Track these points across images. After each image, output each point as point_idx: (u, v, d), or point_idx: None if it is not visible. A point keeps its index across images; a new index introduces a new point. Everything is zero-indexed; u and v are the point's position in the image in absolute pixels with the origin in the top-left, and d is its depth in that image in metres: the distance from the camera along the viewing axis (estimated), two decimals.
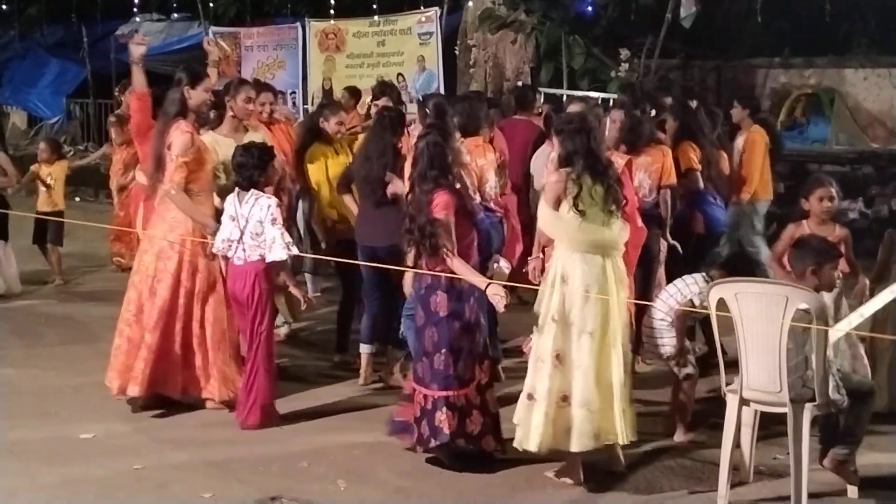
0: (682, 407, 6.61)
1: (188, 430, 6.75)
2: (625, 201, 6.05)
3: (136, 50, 7.49)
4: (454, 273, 5.94)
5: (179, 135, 6.86)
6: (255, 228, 6.57)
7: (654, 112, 8.78)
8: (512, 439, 6.02)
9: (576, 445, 5.81)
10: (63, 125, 21.56)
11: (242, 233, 6.61)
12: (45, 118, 21.98)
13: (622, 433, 5.81)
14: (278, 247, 6.54)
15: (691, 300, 6.47)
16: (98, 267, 11.71)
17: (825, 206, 6.67)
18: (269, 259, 6.58)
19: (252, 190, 6.62)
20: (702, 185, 8.29)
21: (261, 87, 8.61)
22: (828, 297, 5.84)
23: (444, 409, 5.96)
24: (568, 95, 9.58)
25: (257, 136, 7.39)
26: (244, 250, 6.62)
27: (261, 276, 6.63)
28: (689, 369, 6.57)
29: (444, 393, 5.99)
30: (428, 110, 7.19)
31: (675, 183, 7.88)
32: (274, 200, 6.62)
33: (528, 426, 5.87)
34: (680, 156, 8.28)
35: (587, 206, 5.84)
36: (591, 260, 5.85)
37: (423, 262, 6.06)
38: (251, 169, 6.62)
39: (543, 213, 6.03)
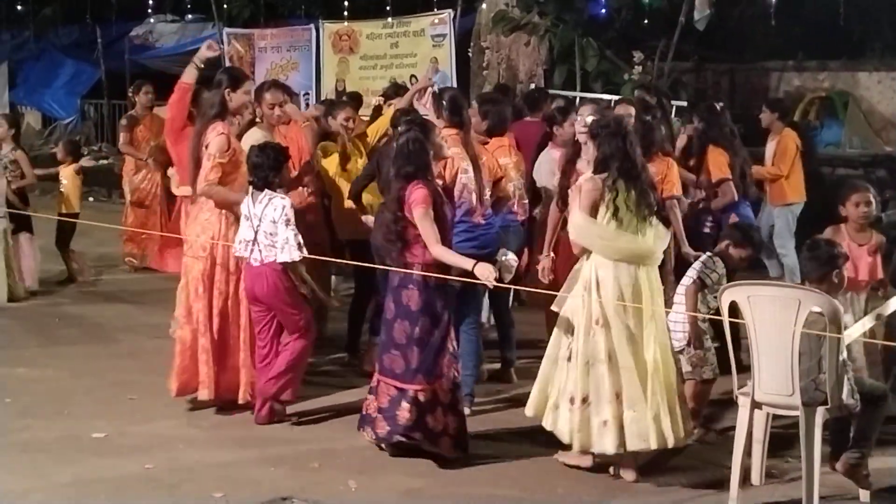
0: (694, 410, 6.61)
1: (200, 431, 6.77)
2: (657, 206, 6.04)
3: (205, 53, 7.47)
4: (439, 265, 6.00)
5: (216, 136, 6.89)
6: (269, 228, 6.57)
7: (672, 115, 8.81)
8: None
9: (631, 445, 5.83)
10: (77, 126, 21.61)
11: (256, 233, 6.62)
12: (59, 118, 22.04)
13: (669, 437, 5.81)
14: (290, 248, 6.54)
15: (700, 279, 6.50)
16: (111, 267, 11.74)
17: (862, 211, 6.64)
18: (279, 260, 6.58)
19: (266, 190, 6.63)
20: (736, 195, 8.20)
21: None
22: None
23: (408, 403, 6.02)
24: (580, 98, 9.56)
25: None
26: (259, 251, 6.62)
27: (280, 276, 6.63)
28: (709, 373, 6.56)
29: (410, 386, 6.04)
30: (444, 103, 7.16)
31: (679, 194, 7.79)
32: (288, 201, 6.61)
33: (590, 429, 5.86)
34: (710, 164, 8.21)
35: (623, 213, 5.84)
36: (626, 268, 5.87)
37: (400, 257, 6.12)
38: (266, 170, 6.62)
39: (578, 221, 5.99)
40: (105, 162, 17.96)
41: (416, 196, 5.98)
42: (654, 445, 5.82)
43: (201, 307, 6.91)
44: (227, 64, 15.90)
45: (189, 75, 7.44)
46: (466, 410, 6.65)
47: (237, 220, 6.87)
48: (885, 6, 15.98)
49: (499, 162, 7.46)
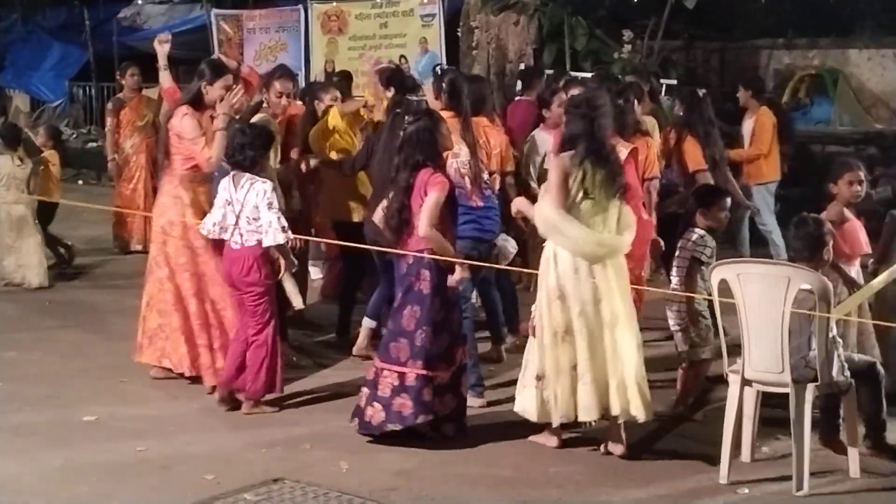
0: (686, 388, 6.64)
1: (191, 413, 6.77)
2: (627, 189, 6.05)
3: (162, 50, 7.57)
4: (434, 250, 6.02)
5: (181, 117, 6.97)
6: (252, 213, 6.53)
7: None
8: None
9: (582, 415, 5.90)
10: (65, 108, 21.53)
11: (238, 217, 6.57)
12: (47, 101, 21.94)
13: (627, 409, 5.86)
14: (274, 231, 6.49)
15: (695, 258, 6.52)
16: (101, 251, 11.70)
17: (855, 189, 6.66)
18: (265, 244, 6.54)
19: (247, 174, 6.57)
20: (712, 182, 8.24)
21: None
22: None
23: (417, 388, 6.02)
24: (566, 78, 9.53)
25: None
26: (241, 235, 6.58)
27: (259, 261, 6.59)
28: (707, 354, 6.58)
29: (423, 372, 6.04)
30: (444, 86, 7.12)
31: (658, 175, 7.85)
32: (269, 184, 6.56)
33: (540, 400, 5.97)
34: (686, 155, 8.28)
35: (593, 192, 5.85)
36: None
37: (404, 242, 6.16)
38: (255, 149, 6.57)
39: (546, 215, 5.95)
40: (94, 145, 17.93)
41: (435, 181, 6.02)
42: (602, 416, 5.92)
43: (169, 286, 7.05)
44: (216, 45, 15.89)
45: (165, 79, 7.68)
46: (481, 401, 6.73)
47: (192, 203, 6.96)
48: None
49: (490, 143, 7.44)
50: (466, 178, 6.89)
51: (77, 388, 7.19)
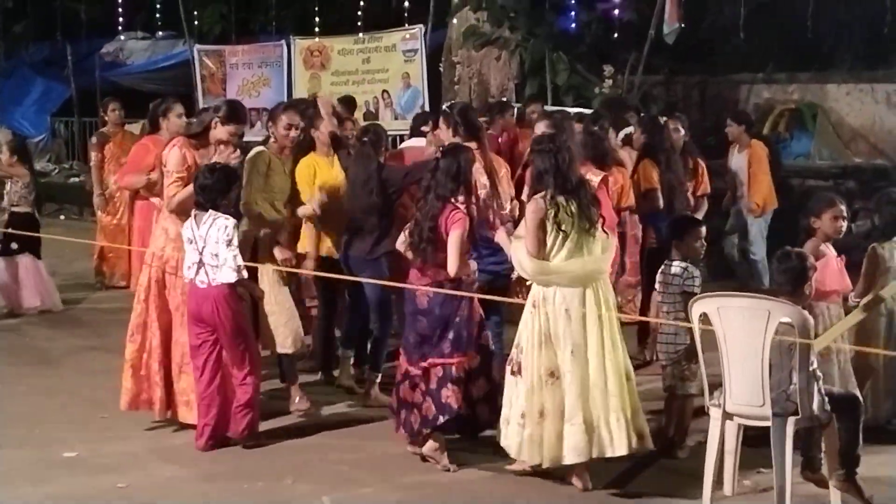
0: (682, 421, 6.65)
1: (173, 448, 6.74)
2: (602, 220, 6.09)
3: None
4: (446, 285, 6.22)
5: (170, 149, 7.04)
6: (214, 249, 6.48)
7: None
8: None
9: (568, 458, 5.92)
10: (48, 143, 21.50)
11: (202, 254, 6.53)
12: (29, 136, 21.88)
13: (612, 445, 5.89)
14: (227, 269, 6.47)
15: (686, 291, 6.52)
16: (82, 286, 11.65)
17: (839, 225, 6.69)
18: (216, 282, 6.50)
19: (210, 211, 6.53)
20: (661, 204, 8.38)
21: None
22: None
23: (450, 382, 6.22)
24: (540, 111, 9.62)
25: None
26: (206, 273, 6.53)
27: (228, 299, 6.55)
28: (695, 389, 6.58)
29: (451, 361, 6.23)
30: (458, 118, 7.16)
31: (634, 204, 8.02)
32: (232, 221, 6.51)
33: (532, 444, 6.00)
34: (641, 173, 8.42)
35: (567, 227, 5.92)
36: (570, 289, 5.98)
37: (418, 265, 6.37)
38: (215, 192, 6.52)
39: (521, 260, 6.08)
40: (76, 180, 17.91)
41: (455, 217, 6.21)
42: (592, 455, 5.92)
43: (147, 323, 7.00)
44: (199, 80, 15.94)
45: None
46: None
47: (177, 237, 6.90)
48: (853, 19, 16.12)
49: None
50: (490, 210, 6.93)
51: (58, 424, 7.15)
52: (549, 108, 11.36)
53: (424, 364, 6.31)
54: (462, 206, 6.31)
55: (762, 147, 10.77)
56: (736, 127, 10.76)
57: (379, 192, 7.38)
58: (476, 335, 6.37)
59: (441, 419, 6.24)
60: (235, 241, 6.51)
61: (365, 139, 7.62)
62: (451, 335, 6.25)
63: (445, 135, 7.21)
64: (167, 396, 6.96)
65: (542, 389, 5.97)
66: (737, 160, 10.72)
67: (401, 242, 6.57)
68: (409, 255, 6.46)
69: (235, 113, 7.22)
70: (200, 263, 6.54)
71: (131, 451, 6.67)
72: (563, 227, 5.92)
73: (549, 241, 5.95)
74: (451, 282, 6.25)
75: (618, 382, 5.94)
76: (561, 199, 5.94)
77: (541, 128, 7.21)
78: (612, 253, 6.19)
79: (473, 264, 6.50)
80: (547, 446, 5.95)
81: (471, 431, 6.57)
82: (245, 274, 6.58)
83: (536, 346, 6.00)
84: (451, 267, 6.19)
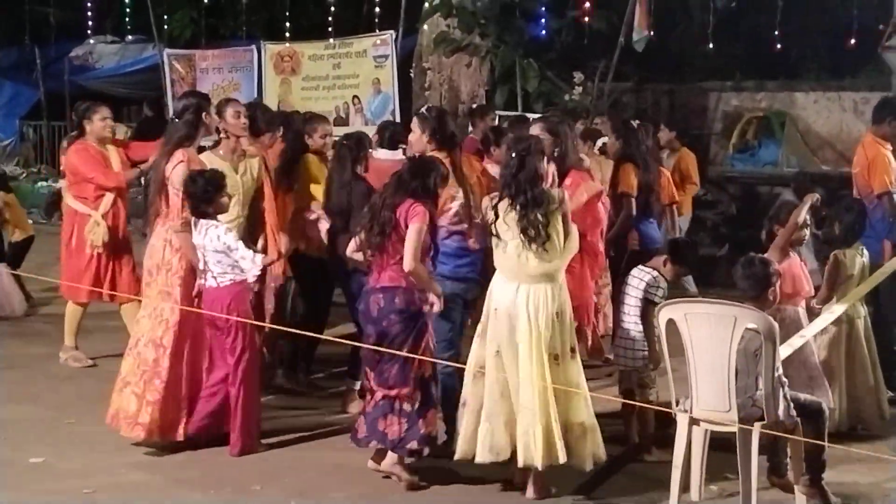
0: (647, 429, 6.68)
1: (140, 454, 6.70)
2: (545, 238, 5.92)
3: None
4: (412, 279, 6.03)
5: (176, 168, 6.82)
6: (213, 257, 6.56)
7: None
8: None
9: (479, 457, 5.96)
10: (16, 147, 21.36)
11: (206, 261, 6.61)
12: None
13: (530, 455, 5.83)
14: (248, 265, 6.56)
15: (647, 299, 6.58)
16: (48, 291, 11.56)
17: (803, 233, 6.76)
18: (249, 279, 6.64)
19: (202, 220, 6.57)
20: (634, 210, 8.35)
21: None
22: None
23: (401, 410, 6.07)
24: (511, 117, 9.64)
25: (254, 162, 7.35)
26: (214, 277, 6.61)
27: (236, 300, 6.60)
28: (654, 395, 6.63)
29: (402, 390, 6.05)
30: (431, 123, 7.07)
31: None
32: (223, 228, 6.55)
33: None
34: (620, 178, 8.42)
35: (501, 233, 5.97)
36: (505, 284, 6.00)
37: (373, 260, 6.17)
38: (198, 199, 6.57)
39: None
40: (44, 184, 17.81)
41: (416, 210, 6.01)
42: (500, 460, 5.95)
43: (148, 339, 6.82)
44: (169, 85, 15.88)
45: None
46: None
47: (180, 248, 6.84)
48: (820, 27, 16.25)
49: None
50: (467, 221, 6.87)
51: (24, 430, 7.11)
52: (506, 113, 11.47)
53: (386, 391, 6.12)
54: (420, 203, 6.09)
55: (691, 155, 11.18)
56: (667, 132, 11.14)
57: (360, 195, 7.26)
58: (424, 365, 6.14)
59: (371, 444, 6.15)
60: (235, 242, 6.54)
61: (344, 143, 7.62)
62: (397, 367, 6.04)
63: (418, 140, 7.05)
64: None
65: (471, 382, 6.06)
66: (670, 164, 10.94)
67: (351, 249, 6.34)
68: (358, 256, 6.28)
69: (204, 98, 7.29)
70: (206, 268, 6.61)
71: (97, 456, 6.64)
72: (493, 233, 6.01)
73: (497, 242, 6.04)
74: (406, 296, 6.05)
75: (539, 397, 5.84)
76: (503, 206, 5.97)
77: (536, 130, 7.14)
78: (564, 260, 6.08)
79: (435, 293, 6.18)
80: (461, 438, 6.02)
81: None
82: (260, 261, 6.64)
83: (476, 338, 6.10)
84: (408, 261, 5.94)
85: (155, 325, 6.78)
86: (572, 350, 6.03)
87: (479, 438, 5.94)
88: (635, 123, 9.28)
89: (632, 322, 6.67)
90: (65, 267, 8.77)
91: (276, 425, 7.17)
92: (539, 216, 5.90)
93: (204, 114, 7.02)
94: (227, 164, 7.11)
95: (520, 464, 5.89)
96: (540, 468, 5.85)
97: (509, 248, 5.97)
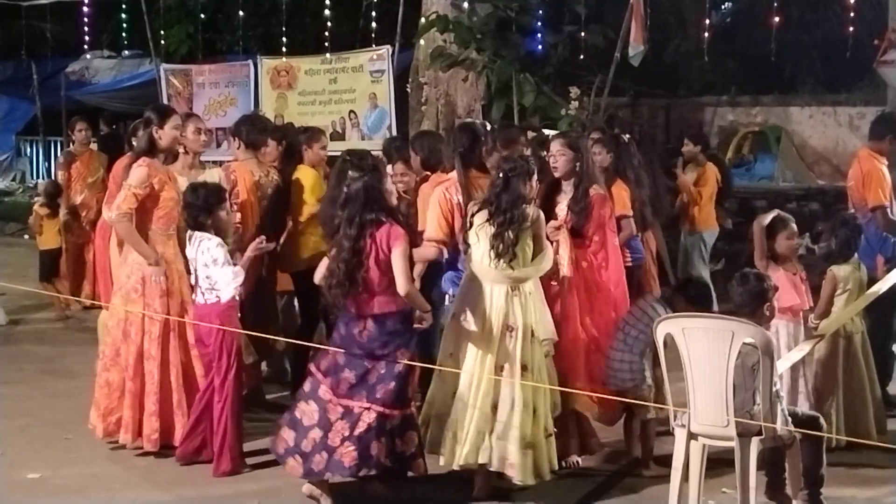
0: (648, 445, 6.66)
1: (137, 470, 6.68)
2: (511, 256, 6.03)
3: None
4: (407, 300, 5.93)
5: (136, 168, 6.85)
6: (203, 271, 6.52)
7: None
8: None
9: (442, 460, 6.09)
10: (12, 162, 21.39)
11: (197, 275, 6.57)
12: None
13: (488, 459, 5.96)
14: (224, 286, 6.47)
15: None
16: (42, 306, 11.56)
17: (795, 244, 6.78)
18: (223, 299, 6.51)
19: (196, 232, 6.54)
20: (635, 230, 8.18)
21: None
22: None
23: (384, 434, 5.90)
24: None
25: (213, 174, 7.38)
26: (202, 293, 6.56)
27: (222, 317, 6.51)
28: (653, 412, 6.59)
29: (390, 412, 5.91)
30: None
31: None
32: (215, 241, 6.49)
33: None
34: (614, 197, 8.32)
35: (471, 242, 6.16)
36: (471, 283, 6.17)
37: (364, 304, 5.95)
38: (197, 210, 6.52)
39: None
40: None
41: (397, 233, 5.88)
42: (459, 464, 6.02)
43: (133, 350, 6.82)
44: (166, 99, 15.90)
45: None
46: None
47: (167, 261, 6.84)
48: (815, 43, 16.32)
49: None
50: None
51: (20, 446, 7.09)
52: None
53: (356, 404, 5.91)
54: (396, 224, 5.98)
55: (714, 171, 10.79)
56: (692, 147, 10.87)
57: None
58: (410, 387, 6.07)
59: (362, 472, 5.88)
60: (223, 258, 6.46)
61: (347, 158, 7.61)
62: (394, 384, 5.87)
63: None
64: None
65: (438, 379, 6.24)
66: (689, 178, 10.72)
67: (319, 278, 6.09)
68: (335, 298, 5.95)
69: (163, 111, 7.24)
70: (196, 282, 6.58)
71: (94, 472, 6.62)
72: (467, 242, 6.20)
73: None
74: (399, 317, 5.94)
75: (526, 403, 6.00)
76: (478, 217, 6.12)
77: (556, 146, 7.13)
78: (529, 273, 6.15)
79: (424, 309, 6.04)
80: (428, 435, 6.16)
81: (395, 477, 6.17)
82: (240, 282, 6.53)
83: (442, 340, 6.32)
84: (402, 285, 5.80)
85: (141, 336, 6.81)
86: (524, 367, 6.07)
87: (444, 443, 6.08)
88: (626, 138, 9.16)
89: (626, 349, 6.55)
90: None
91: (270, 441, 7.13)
92: (510, 235, 6.05)
93: (154, 128, 6.95)
94: (184, 179, 7.13)
95: (460, 461, 6.00)
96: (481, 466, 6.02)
97: (475, 254, 6.15)
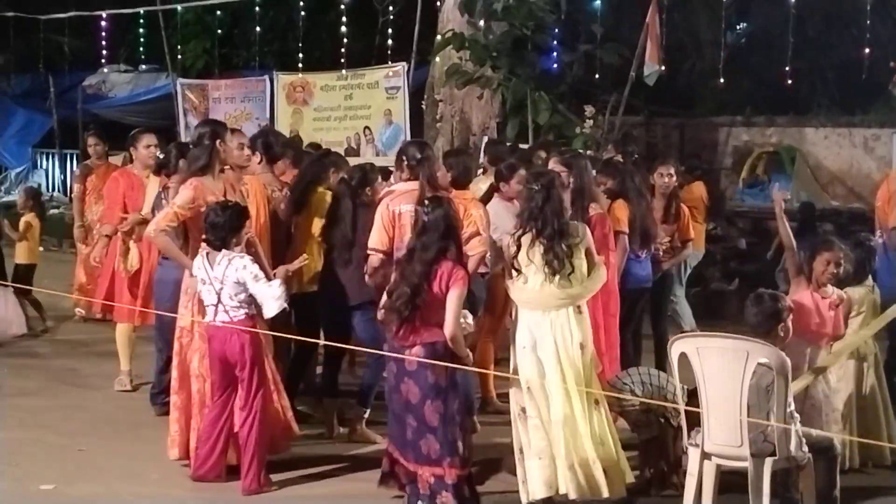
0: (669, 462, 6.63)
1: (149, 484, 6.68)
2: (570, 270, 6.03)
3: None
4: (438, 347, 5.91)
5: (184, 189, 6.81)
6: (233, 290, 6.38)
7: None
8: None
9: (533, 493, 5.98)
10: (29, 175, 21.48)
11: (220, 295, 6.42)
12: (10, 168, 21.90)
13: (569, 487, 5.91)
14: (271, 300, 6.36)
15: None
16: (60, 317, 11.59)
17: (831, 270, 6.64)
18: (266, 315, 6.44)
19: (223, 251, 6.44)
20: (629, 248, 8.19)
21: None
22: None
23: (450, 490, 5.87)
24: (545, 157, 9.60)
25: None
26: (226, 312, 6.42)
27: (253, 335, 6.45)
28: (654, 431, 6.58)
29: (460, 472, 5.90)
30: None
31: None
32: (247, 258, 6.43)
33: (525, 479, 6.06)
34: (613, 215, 8.32)
35: (522, 266, 6.05)
36: (529, 315, 6.08)
37: (404, 331, 5.96)
38: (225, 230, 6.43)
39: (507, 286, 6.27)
40: (55, 211, 17.87)
41: (458, 276, 5.88)
42: (570, 494, 5.95)
43: (177, 363, 6.83)
44: (182, 114, 15.97)
45: None
46: None
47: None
48: (831, 64, 16.32)
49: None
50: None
51: (34, 457, 7.10)
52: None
53: (414, 467, 5.96)
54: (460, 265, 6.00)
55: (702, 189, 10.86)
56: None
57: (360, 226, 7.32)
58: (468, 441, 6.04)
59: None
60: (260, 273, 6.41)
61: (344, 176, 7.65)
62: (439, 432, 5.86)
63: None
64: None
65: (517, 425, 6.11)
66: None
67: (384, 302, 6.11)
68: (389, 319, 6.00)
69: (220, 126, 7.21)
70: (219, 303, 6.44)
71: (107, 485, 6.63)
72: (514, 266, 6.09)
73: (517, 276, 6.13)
74: (445, 348, 5.91)
75: (582, 423, 5.98)
76: (526, 239, 6.06)
77: (552, 164, 7.18)
78: (588, 290, 6.16)
79: (463, 355, 6.01)
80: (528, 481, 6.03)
81: None
82: (284, 302, 6.45)
83: (513, 384, 6.16)
84: (450, 327, 5.83)
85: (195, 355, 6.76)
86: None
87: (531, 474, 5.99)
88: (619, 158, 9.20)
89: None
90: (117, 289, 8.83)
91: (277, 456, 7.00)
92: (564, 248, 6.00)
93: (219, 141, 6.91)
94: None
95: (563, 491, 5.93)
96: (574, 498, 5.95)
97: (530, 281, 6.04)
